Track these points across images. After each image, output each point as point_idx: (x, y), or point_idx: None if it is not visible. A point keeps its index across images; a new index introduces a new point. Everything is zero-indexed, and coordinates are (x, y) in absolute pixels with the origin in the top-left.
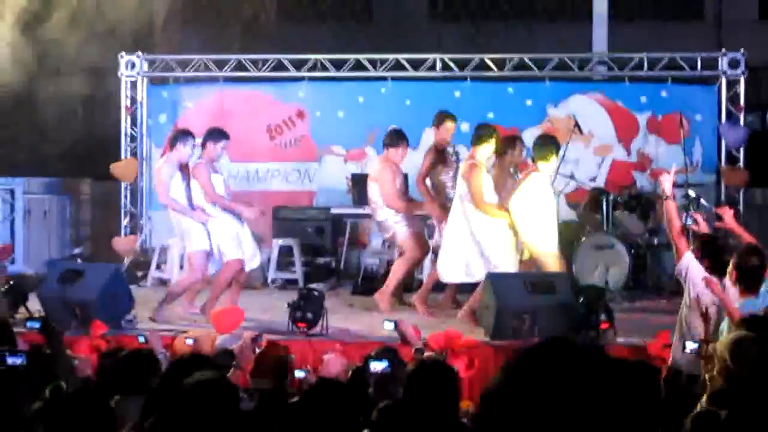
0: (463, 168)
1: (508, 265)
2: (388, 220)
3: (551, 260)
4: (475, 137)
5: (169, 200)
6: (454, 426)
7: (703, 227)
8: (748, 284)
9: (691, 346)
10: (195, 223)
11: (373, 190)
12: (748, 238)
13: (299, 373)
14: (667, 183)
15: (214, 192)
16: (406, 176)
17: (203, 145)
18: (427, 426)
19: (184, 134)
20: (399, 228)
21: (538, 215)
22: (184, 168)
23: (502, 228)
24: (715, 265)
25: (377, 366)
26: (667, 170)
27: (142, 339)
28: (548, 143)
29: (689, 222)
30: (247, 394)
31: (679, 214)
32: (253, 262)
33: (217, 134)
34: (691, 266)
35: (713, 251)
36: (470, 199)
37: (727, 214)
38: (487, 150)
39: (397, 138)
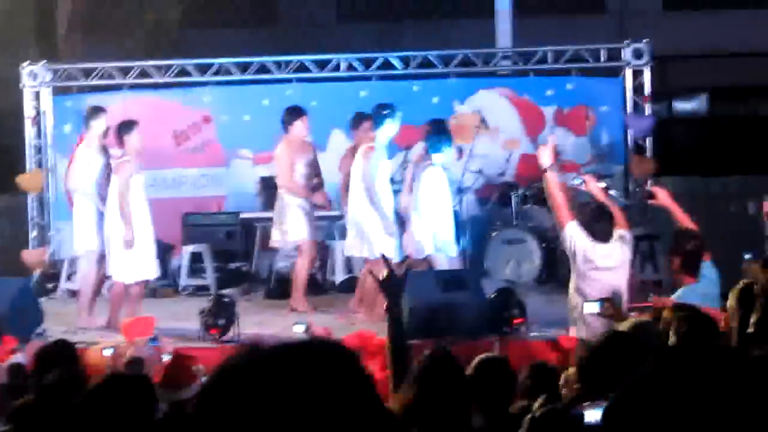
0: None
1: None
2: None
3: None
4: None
5: None
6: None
7: (592, 187)
8: (690, 269)
9: (590, 308)
10: None
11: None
12: (682, 216)
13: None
14: (545, 155)
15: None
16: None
17: (120, 141)
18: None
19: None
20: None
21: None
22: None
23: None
24: (597, 232)
25: None
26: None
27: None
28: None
29: (578, 182)
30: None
31: (574, 207)
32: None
33: (126, 125)
34: (576, 237)
35: (594, 218)
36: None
37: (662, 192)
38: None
39: (290, 113)
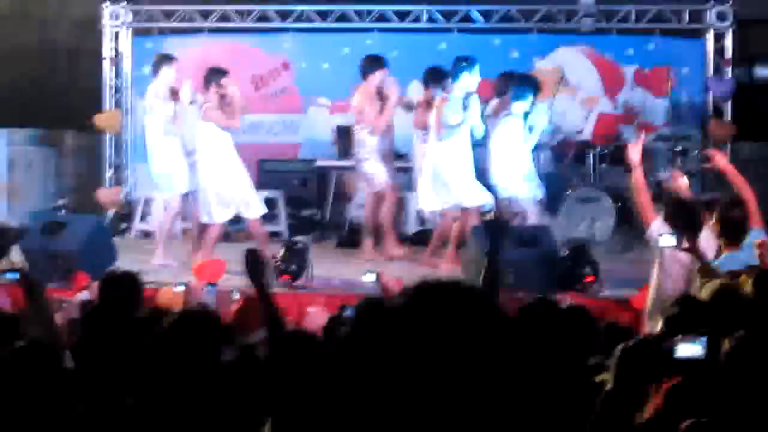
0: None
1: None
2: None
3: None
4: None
5: None
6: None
7: (680, 183)
8: (730, 237)
9: (667, 241)
10: None
11: (355, 138)
12: (740, 181)
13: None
14: (634, 153)
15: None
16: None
17: (207, 87)
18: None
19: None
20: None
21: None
22: None
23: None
24: (683, 228)
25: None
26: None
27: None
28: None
29: (665, 175)
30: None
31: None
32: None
33: (216, 72)
34: (662, 233)
35: (683, 213)
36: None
37: (718, 154)
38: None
39: (370, 62)
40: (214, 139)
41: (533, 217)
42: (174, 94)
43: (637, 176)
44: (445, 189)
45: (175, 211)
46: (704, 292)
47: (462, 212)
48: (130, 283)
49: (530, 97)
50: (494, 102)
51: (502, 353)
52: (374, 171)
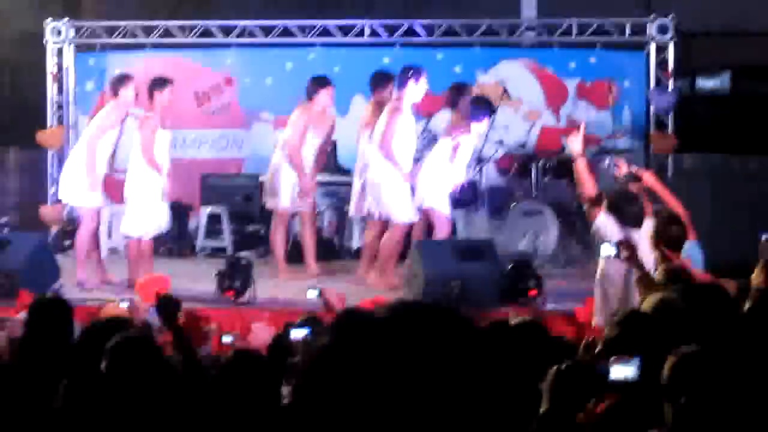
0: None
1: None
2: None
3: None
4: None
5: None
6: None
7: (625, 170)
8: (667, 254)
9: (606, 250)
10: None
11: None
12: (670, 199)
13: (226, 338)
14: (575, 142)
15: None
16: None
17: (150, 97)
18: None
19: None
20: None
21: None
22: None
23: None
24: (626, 218)
25: (298, 333)
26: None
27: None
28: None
29: (611, 166)
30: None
31: (597, 179)
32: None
33: (159, 82)
34: (607, 226)
35: (622, 203)
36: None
37: (647, 174)
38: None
39: (315, 83)
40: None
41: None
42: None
43: (580, 167)
44: (375, 200)
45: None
46: (645, 304)
47: (391, 226)
48: (58, 308)
49: (486, 120)
50: (448, 116)
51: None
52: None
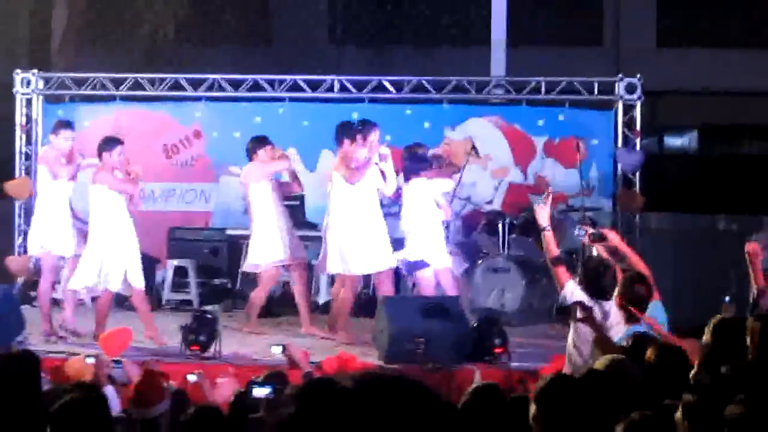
0: None
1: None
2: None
3: None
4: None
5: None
6: None
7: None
8: (632, 312)
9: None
10: None
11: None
12: (634, 258)
13: (191, 377)
14: (542, 213)
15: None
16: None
17: (99, 156)
18: None
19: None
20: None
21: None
22: None
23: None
24: (594, 288)
25: (260, 392)
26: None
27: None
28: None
29: (580, 233)
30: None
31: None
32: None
33: (110, 142)
34: (575, 296)
35: (593, 274)
36: None
37: (612, 233)
38: None
39: (253, 142)
40: (105, 203)
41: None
42: (69, 157)
43: (547, 237)
44: (340, 254)
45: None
46: (597, 364)
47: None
48: (27, 362)
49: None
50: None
51: None
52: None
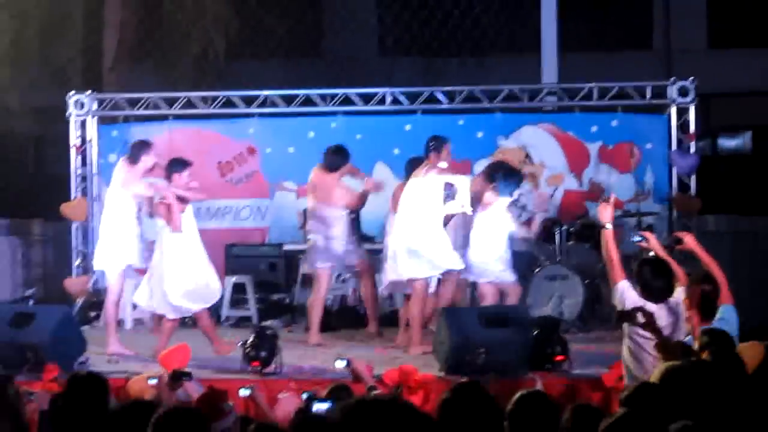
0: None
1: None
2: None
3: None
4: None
5: None
6: None
7: (654, 244)
8: (702, 312)
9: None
10: None
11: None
12: (709, 260)
13: (244, 392)
14: (605, 212)
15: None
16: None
17: (169, 178)
18: None
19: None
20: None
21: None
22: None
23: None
24: (649, 290)
25: (320, 407)
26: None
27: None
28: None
29: (638, 239)
30: None
31: (621, 240)
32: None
33: (179, 164)
34: (626, 295)
35: (649, 275)
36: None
37: (688, 236)
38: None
39: (338, 157)
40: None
41: (514, 296)
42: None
43: (608, 234)
44: (415, 256)
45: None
46: (655, 373)
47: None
48: (95, 384)
49: (515, 192)
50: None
51: None
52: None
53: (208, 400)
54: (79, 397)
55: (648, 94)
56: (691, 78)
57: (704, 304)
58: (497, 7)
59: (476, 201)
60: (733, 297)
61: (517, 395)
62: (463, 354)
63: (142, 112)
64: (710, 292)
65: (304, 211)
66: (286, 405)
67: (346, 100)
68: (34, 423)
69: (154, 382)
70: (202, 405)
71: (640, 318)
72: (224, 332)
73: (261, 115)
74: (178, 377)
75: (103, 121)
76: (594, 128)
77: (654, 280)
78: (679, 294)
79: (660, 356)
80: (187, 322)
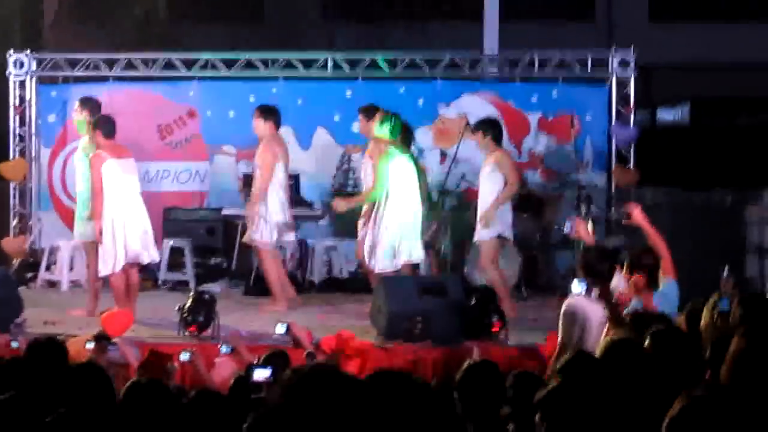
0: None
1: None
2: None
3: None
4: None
5: None
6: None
7: (583, 233)
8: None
9: (576, 288)
10: None
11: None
12: (654, 234)
13: (183, 356)
14: (583, 231)
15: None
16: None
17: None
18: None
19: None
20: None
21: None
22: None
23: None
24: (589, 273)
25: (260, 374)
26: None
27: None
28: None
29: (568, 226)
30: None
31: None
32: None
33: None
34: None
35: (594, 261)
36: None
37: (636, 209)
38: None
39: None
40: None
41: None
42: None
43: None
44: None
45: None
46: (599, 346)
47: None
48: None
49: None
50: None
51: None
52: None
53: (153, 362)
54: (40, 361)
55: (589, 65)
56: (632, 49)
57: (649, 276)
58: None
59: None
60: (675, 270)
61: (466, 364)
62: (401, 322)
63: (82, 73)
64: (651, 265)
65: (244, 176)
66: (223, 369)
67: (288, 65)
68: None
69: (91, 345)
70: (147, 368)
71: (596, 291)
72: (161, 295)
73: (202, 78)
74: (99, 340)
75: (42, 81)
76: (534, 98)
77: (599, 263)
78: (617, 282)
79: (609, 331)
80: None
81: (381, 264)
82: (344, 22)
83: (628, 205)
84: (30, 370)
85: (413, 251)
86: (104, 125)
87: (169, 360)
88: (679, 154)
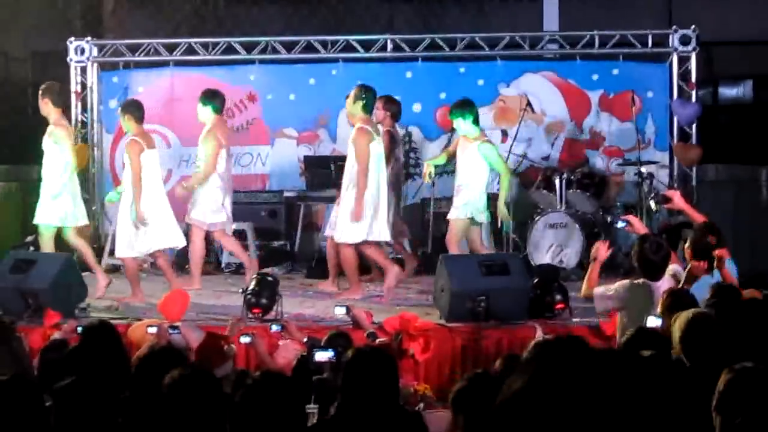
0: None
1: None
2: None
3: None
4: None
5: None
6: (394, 412)
7: (637, 226)
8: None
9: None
10: None
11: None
12: (697, 216)
13: (244, 339)
14: (602, 251)
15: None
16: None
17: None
18: (367, 413)
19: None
20: None
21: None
22: None
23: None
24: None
25: (322, 356)
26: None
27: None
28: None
29: (621, 224)
30: None
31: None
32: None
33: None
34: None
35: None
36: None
37: (676, 195)
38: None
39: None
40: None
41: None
42: None
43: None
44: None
45: None
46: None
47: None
48: (110, 333)
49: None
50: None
51: None
52: None
53: (210, 344)
54: (97, 346)
55: (649, 43)
56: (693, 26)
57: (706, 255)
58: None
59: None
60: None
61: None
62: (464, 302)
63: (142, 58)
64: (714, 244)
65: (305, 158)
66: (286, 352)
67: (347, 47)
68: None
69: (153, 330)
70: (205, 350)
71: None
72: (224, 279)
73: (262, 61)
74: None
75: (104, 67)
76: (595, 76)
77: (653, 254)
78: (677, 267)
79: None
80: (186, 268)
81: (345, 236)
82: (402, 3)
83: (667, 192)
84: (88, 355)
85: (381, 231)
86: (135, 110)
87: (227, 342)
88: (742, 131)
